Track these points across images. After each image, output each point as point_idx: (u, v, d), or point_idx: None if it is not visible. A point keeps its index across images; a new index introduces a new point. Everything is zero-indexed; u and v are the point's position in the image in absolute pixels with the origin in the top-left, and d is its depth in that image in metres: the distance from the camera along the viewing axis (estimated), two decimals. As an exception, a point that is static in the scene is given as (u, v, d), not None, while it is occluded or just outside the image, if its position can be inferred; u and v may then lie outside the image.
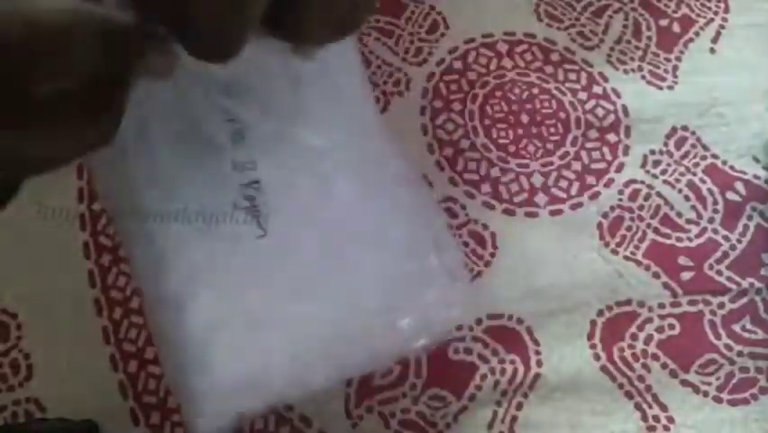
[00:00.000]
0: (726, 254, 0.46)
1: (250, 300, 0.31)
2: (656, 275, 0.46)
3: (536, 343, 0.44)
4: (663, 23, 0.53)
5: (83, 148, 0.25)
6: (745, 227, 0.47)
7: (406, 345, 0.34)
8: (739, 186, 0.48)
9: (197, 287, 0.30)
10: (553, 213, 0.47)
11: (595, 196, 0.47)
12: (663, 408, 0.43)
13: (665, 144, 0.49)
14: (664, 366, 0.44)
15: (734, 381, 0.44)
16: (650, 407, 0.43)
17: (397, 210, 0.34)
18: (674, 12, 0.53)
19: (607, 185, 0.48)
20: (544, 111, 0.49)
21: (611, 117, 0.49)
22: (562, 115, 0.49)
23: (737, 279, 0.46)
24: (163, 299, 0.31)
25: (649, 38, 0.52)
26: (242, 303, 0.31)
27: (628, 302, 0.45)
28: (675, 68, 0.51)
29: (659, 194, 0.48)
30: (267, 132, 0.32)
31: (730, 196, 0.48)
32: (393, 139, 0.36)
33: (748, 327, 0.45)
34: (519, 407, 0.43)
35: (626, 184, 0.48)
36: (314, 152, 0.33)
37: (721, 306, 0.45)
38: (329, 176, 0.33)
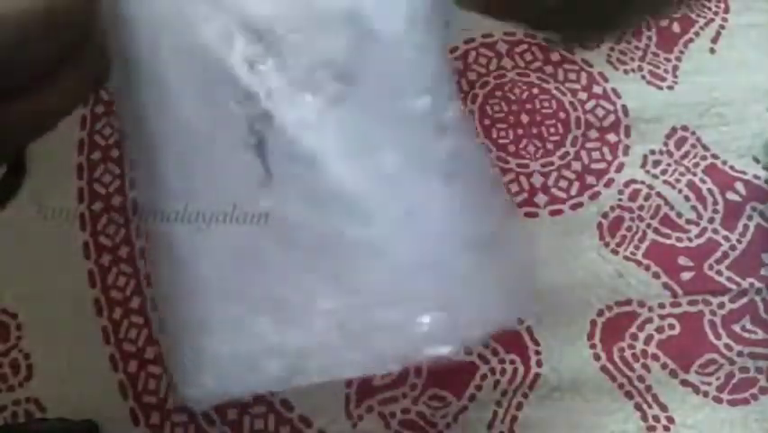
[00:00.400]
0: (726, 254, 0.46)
1: (250, 272, 0.28)
2: (656, 275, 0.46)
3: (536, 343, 0.44)
4: (663, 23, 0.53)
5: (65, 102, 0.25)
6: (745, 227, 0.47)
7: (420, 346, 0.29)
8: (739, 186, 0.48)
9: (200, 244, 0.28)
10: (552, 213, 0.47)
11: (595, 196, 0.47)
12: (663, 408, 0.43)
13: (665, 144, 0.49)
14: (664, 366, 0.44)
15: (734, 381, 0.44)
16: (650, 407, 0.43)
17: (446, 191, 0.29)
18: (674, 12, 0.53)
19: (607, 185, 0.48)
20: (543, 111, 0.49)
21: (611, 117, 0.49)
22: (562, 115, 0.49)
23: (737, 279, 0.46)
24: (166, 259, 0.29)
25: (649, 38, 0.52)
26: (242, 273, 0.28)
27: (628, 302, 0.45)
28: (675, 68, 0.51)
29: (659, 194, 0.48)
30: (291, 64, 0.28)
31: (730, 196, 0.48)
32: (467, 119, 0.32)
33: (748, 327, 0.45)
34: (519, 407, 0.43)
35: (626, 184, 0.48)
36: (354, 101, 0.29)
37: (721, 306, 0.45)
38: (360, 130, 0.28)
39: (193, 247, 0.29)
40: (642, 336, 0.45)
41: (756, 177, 0.48)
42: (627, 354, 0.44)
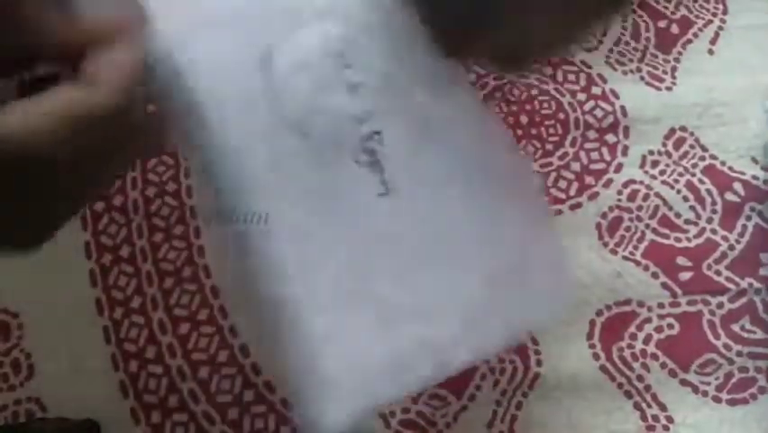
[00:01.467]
0: (724, 255, 0.47)
1: (372, 282, 0.29)
2: (655, 275, 0.46)
3: (536, 342, 0.44)
4: (662, 24, 0.53)
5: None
6: (744, 228, 0.47)
7: (504, 340, 0.32)
8: (738, 186, 0.48)
9: (315, 270, 0.28)
10: (552, 213, 0.47)
11: (594, 196, 0.48)
12: (662, 407, 0.43)
13: (664, 145, 0.49)
14: (663, 366, 0.44)
15: (733, 380, 0.44)
16: (649, 406, 0.43)
17: (508, 201, 0.32)
18: (673, 13, 0.53)
19: (605, 185, 0.48)
20: (543, 112, 0.50)
21: (610, 118, 0.50)
22: (562, 115, 0.49)
23: (736, 279, 0.46)
24: (276, 292, 0.29)
25: (648, 39, 0.52)
26: (365, 284, 0.29)
27: (627, 302, 0.45)
28: (674, 69, 0.51)
29: (658, 194, 0.48)
30: (385, 86, 0.29)
31: (729, 196, 0.48)
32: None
33: (747, 326, 0.45)
34: (519, 406, 0.43)
35: (625, 184, 0.48)
36: (438, 119, 0.30)
37: (720, 306, 0.46)
38: (450, 146, 0.30)
39: (305, 263, 0.29)
40: (641, 335, 0.45)
41: (755, 177, 0.49)
42: (626, 353, 0.44)
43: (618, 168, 0.48)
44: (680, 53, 0.52)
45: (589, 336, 0.45)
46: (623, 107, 0.50)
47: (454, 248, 0.30)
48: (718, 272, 0.46)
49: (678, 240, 0.47)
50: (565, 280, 0.34)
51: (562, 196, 0.47)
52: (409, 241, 0.29)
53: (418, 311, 0.29)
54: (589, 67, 0.51)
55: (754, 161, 0.49)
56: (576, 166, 0.48)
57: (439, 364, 0.29)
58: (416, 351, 0.29)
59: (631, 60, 0.51)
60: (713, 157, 0.49)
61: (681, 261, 0.46)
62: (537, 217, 0.33)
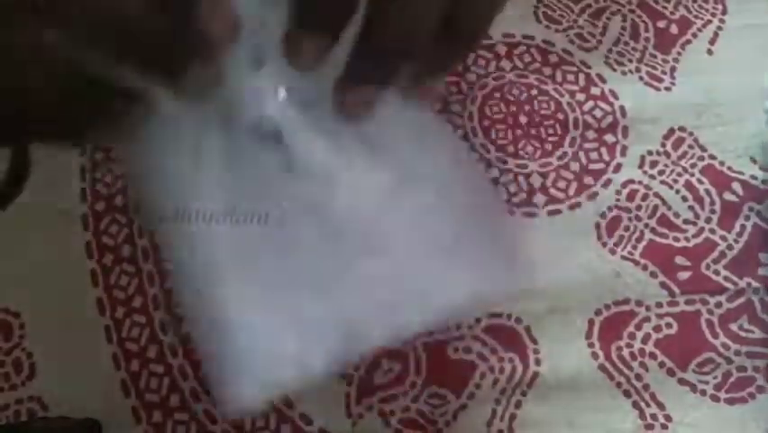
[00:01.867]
0: (723, 254, 0.47)
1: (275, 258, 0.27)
2: (654, 275, 0.46)
3: (534, 342, 0.44)
4: (661, 24, 0.53)
5: None
6: (743, 227, 0.48)
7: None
8: (736, 186, 0.48)
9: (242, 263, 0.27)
10: (551, 213, 0.47)
11: (593, 196, 0.48)
12: (661, 406, 0.43)
13: (663, 145, 0.49)
14: (662, 365, 0.44)
15: (731, 379, 0.44)
16: (648, 405, 0.43)
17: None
18: (672, 13, 0.53)
19: (605, 185, 0.48)
20: (542, 112, 0.50)
21: (609, 118, 0.50)
22: (561, 116, 0.50)
23: (735, 278, 0.46)
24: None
25: (647, 39, 0.52)
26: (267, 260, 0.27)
27: (626, 301, 0.46)
28: (673, 69, 0.52)
29: (656, 194, 0.48)
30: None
31: (727, 196, 0.48)
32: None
33: (745, 326, 0.45)
34: (518, 405, 0.43)
35: (624, 184, 0.48)
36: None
37: (718, 305, 0.46)
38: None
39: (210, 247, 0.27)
40: (639, 334, 0.45)
41: (753, 177, 0.49)
42: (625, 352, 0.44)
43: (617, 168, 0.49)
44: (679, 53, 0.52)
45: (588, 335, 0.45)
46: (622, 107, 0.50)
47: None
48: (717, 272, 0.46)
49: (676, 240, 0.47)
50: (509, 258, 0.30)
51: (561, 196, 0.48)
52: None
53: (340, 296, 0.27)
54: (589, 67, 0.51)
55: (753, 160, 0.49)
56: (575, 166, 0.48)
57: (360, 339, 0.27)
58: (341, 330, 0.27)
59: (630, 61, 0.52)
60: (712, 157, 0.49)
61: (679, 260, 0.47)
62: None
